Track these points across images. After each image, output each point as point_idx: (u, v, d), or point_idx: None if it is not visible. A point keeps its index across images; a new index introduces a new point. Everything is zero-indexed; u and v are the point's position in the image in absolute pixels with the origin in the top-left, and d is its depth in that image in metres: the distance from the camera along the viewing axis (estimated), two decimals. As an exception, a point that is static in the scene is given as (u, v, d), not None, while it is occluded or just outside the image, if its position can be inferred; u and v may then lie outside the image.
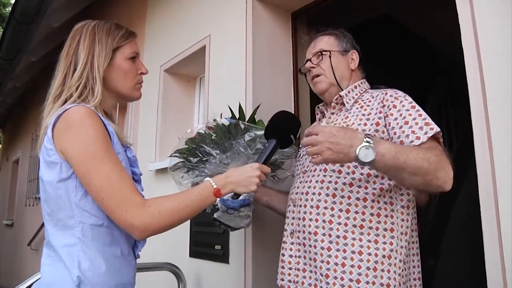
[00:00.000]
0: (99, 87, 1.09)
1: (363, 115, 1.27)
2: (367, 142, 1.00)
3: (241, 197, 1.39)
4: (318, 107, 1.48)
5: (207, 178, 1.12)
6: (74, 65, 1.09)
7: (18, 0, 3.42)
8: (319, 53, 1.40)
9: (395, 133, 1.17)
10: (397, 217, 1.19)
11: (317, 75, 1.41)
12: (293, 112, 2.05)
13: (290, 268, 1.31)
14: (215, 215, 1.48)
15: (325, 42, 1.43)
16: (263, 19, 2.08)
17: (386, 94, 1.27)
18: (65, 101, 1.07)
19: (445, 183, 1.07)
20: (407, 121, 1.16)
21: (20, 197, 6.64)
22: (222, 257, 1.99)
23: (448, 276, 2.91)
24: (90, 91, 1.08)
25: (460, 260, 2.95)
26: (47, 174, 1.03)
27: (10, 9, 10.92)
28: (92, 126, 1.00)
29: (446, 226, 3.30)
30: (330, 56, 1.39)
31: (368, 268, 1.13)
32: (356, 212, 1.18)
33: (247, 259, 1.85)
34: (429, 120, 1.15)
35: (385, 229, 1.17)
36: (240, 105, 1.62)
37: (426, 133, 1.11)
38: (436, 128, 1.12)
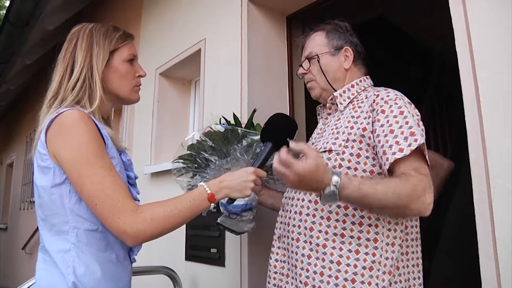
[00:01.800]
0: (99, 90, 1.08)
1: (352, 117, 1.22)
2: (333, 188, 0.95)
3: (241, 202, 1.38)
4: (318, 108, 1.43)
5: (201, 183, 1.10)
6: (71, 68, 1.09)
7: (12, 3, 3.40)
8: (308, 58, 1.35)
9: (379, 141, 1.11)
10: (383, 227, 1.12)
11: (309, 81, 1.37)
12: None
13: (276, 273, 1.29)
14: (218, 220, 1.48)
15: (315, 42, 1.36)
16: (258, 23, 2.09)
17: (377, 96, 1.19)
18: (60, 105, 1.06)
19: (421, 212, 1.03)
20: (392, 129, 1.09)
21: (15, 201, 6.60)
22: (218, 260, 1.98)
23: (442, 278, 2.92)
24: (88, 94, 1.08)
25: (455, 262, 2.96)
26: (41, 179, 1.02)
27: (4, 11, 10.87)
28: (85, 130, 0.98)
29: (441, 227, 3.32)
30: (319, 61, 1.33)
31: (346, 280, 1.09)
32: (337, 220, 1.14)
33: (243, 262, 1.85)
34: (415, 129, 1.07)
35: (368, 239, 1.11)
36: (234, 114, 1.62)
37: (410, 145, 1.05)
38: (420, 140, 1.05)
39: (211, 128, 1.47)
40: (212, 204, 1.08)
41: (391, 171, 1.08)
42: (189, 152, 1.52)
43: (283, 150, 0.95)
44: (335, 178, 0.95)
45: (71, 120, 0.99)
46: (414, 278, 1.17)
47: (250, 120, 1.61)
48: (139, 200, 1.10)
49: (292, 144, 0.95)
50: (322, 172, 0.94)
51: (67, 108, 1.03)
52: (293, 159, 0.94)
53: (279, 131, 1.26)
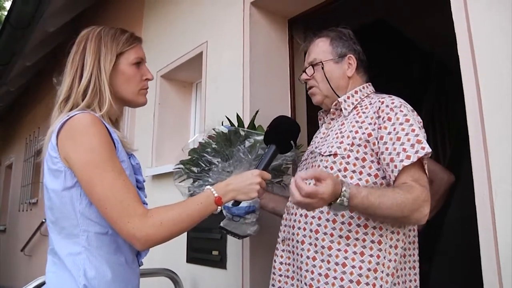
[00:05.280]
0: (108, 93, 1.09)
1: (357, 122, 1.24)
2: (342, 199, 0.99)
3: (245, 204, 1.39)
4: (320, 113, 1.45)
5: (208, 187, 1.11)
6: (81, 70, 1.09)
7: (13, 5, 3.41)
8: (312, 64, 1.36)
9: (386, 149, 1.13)
10: (387, 229, 1.15)
11: (312, 87, 1.38)
12: (290, 118, 2.07)
13: (280, 275, 1.30)
14: (221, 224, 1.48)
15: (319, 49, 1.37)
16: (260, 26, 2.10)
17: (382, 103, 1.21)
18: (72, 108, 1.06)
19: (419, 222, 1.10)
20: (399, 136, 1.12)
21: (14, 202, 6.58)
22: (220, 262, 1.99)
23: (443, 280, 2.93)
24: (98, 97, 1.08)
25: (456, 264, 2.96)
26: (51, 182, 1.02)
27: (5, 12, 10.86)
28: (96, 134, 0.99)
29: (441, 229, 3.32)
30: (323, 68, 1.34)
31: (351, 281, 1.11)
32: (342, 223, 1.15)
33: (244, 265, 1.85)
34: (421, 137, 1.11)
35: (372, 241, 1.13)
36: (238, 114, 1.63)
37: (417, 152, 1.08)
38: (428, 148, 1.09)
39: (214, 129, 1.48)
40: (219, 207, 1.09)
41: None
42: (189, 156, 1.52)
43: (300, 181, 0.96)
44: (344, 189, 0.99)
45: (83, 124, 0.99)
46: (411, 281, 1.20)
47: (252, 121, 1.62)
48: (147, 204, 1.10)
49: (302, 174, 0.97)
50: (338, 185, 0.99)
51: (78, 111, 1.03)
52: (314, 186, 0.96)
53: (282, 133, 1.27)
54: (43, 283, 1.08)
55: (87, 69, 1.08)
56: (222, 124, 1.55)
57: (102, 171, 0.97)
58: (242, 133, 1.44)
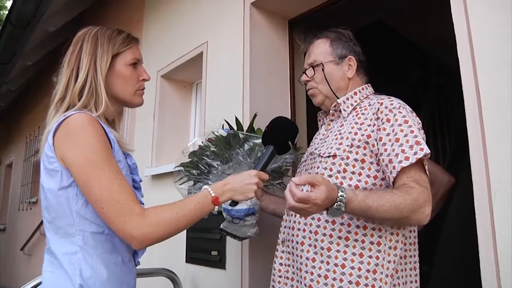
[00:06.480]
0: (104, 93, 1.09)
1: (356, 123, 1.24)
2: (339, 204, 0.98)
3: (245, 206, 1.39)
4: (319, 114, 1.45)
5: (205, 186, 1.11)
6: (77, 71, 1.09)
7: (14, 4, 3.42)
8: (312, 66, 1.36)
9: (385, 150, 1.13)
10: (386, 231, 1.15)
11: (311, 88, 1.38)
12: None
13: (280, 276, 1.30)
14: (221, 226, 1.49)
15: (319, 50, 1.37)
16: (260, 26, 2.10)
17: (381, 104, 1.21)
18: (68, 108, 1.07)
19: (420, 222, 1.09)
20: (398, 138, 1.12)
21: (13, 202, 6.59)
22: (219, 263, 1.99)
23: (443, 282, 2.93)
24: (94, 97, 1.08)
25: (455, 266, 2.96)
26: (48, 182, 1.02)
27: (3, 12, 10.86)
28: (93, 134, 0.99)
29: (441, 231, 3.32)
30: (323, 69, 1.34)
31: (350, 282, 1.11)
32: (342, 224, 1.16)
33: (243, 265, 1.85)
34: (420, 138, 1.11)
35: (372, 242, 1.13)
36: (236, 118, 1.63)
37: (415, 153, 1.08)
38: (426, 150, 1.09)
39: (213, 133, 1.48)
40: (216, 207, 1.09)
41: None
42: (190, 159, 1.53)
43: (293, 186, 0.96)
44: (341, 194, 0.99)
45: (79, 124, 1.00)
46: (411, 282, 1.20)
47: (251, 124, 1.62)
48: (143, 203, 1.10)
49: (296, 180, 0.97)
50: (333, 191, 0.98)
51: (75, 111, 1.04)
52: (307, 192, 0.96)
53: (280, 134, 1.27)
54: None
55: (83, 70, 1.08)
56: (223, 128, 1.56)
57: (99, 171, 0.97)
58: (241, 136, 1.44)
